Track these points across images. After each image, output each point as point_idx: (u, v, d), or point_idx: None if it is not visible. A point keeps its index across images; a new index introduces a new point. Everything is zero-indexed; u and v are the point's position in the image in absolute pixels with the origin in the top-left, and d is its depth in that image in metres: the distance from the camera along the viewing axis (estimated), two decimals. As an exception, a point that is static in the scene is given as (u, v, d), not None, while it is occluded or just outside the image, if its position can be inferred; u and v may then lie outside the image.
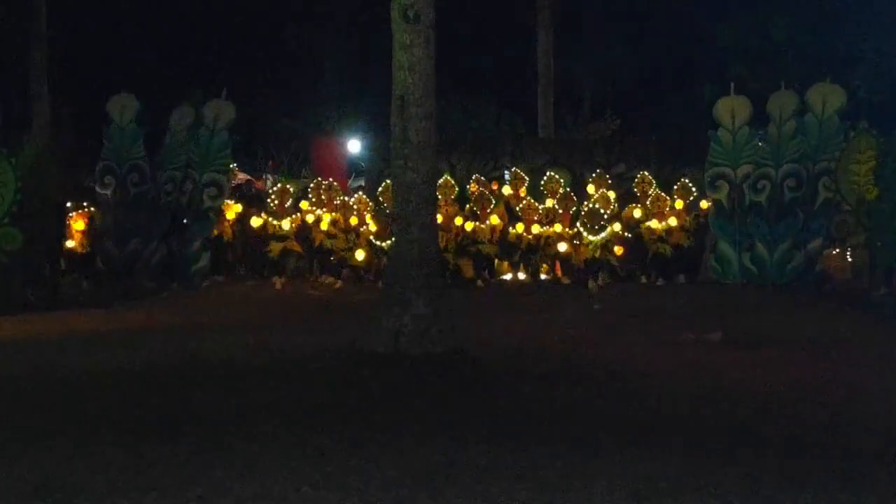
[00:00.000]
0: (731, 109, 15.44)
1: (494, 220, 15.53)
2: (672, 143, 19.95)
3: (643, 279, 15.51)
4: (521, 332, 11.04)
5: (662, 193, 15.91)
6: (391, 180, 10.43)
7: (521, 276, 15.43)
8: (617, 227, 15.16)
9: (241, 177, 17.36)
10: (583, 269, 15.23)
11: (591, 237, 15.12)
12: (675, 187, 15.87)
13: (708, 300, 13.35)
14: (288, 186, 16.42)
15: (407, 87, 9.67)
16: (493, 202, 16.00)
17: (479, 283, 15.10)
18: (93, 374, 8.76)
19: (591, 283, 14.27)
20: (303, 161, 27.15)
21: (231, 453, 6.17)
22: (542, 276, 15.42)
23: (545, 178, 16.50)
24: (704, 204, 15.88)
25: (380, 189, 16.18)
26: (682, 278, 15.38)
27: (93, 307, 13.15)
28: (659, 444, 6.31)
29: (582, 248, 15.22)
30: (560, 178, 16.54)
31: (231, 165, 16.27)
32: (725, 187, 15.38)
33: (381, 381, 8.49)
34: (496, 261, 15.65)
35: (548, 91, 24.35)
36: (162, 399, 7.78)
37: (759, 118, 15.51)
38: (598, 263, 15.19)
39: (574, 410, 7.31)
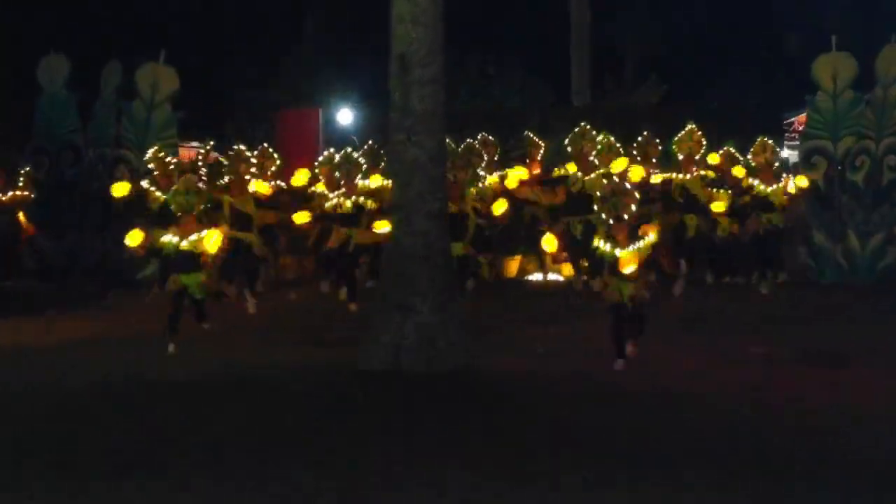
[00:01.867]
0: (833, 69, 14.96)
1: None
2: (739, 113, 19.75)
3: (709, 278, 14.67)
4: (547, 345, 11.00)
5: (766, 139, 14.61)
6: (389, 158, 10.47)
7: (553, 276, 15.27)
8: (652, 236, 10.03)
9: (213, 157, 17.24)
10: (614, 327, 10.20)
11: (616, 250, 9.97)
12: (754, 148, 14.83)
13: (783, 304, 13.21)
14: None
15: (409, 44, 9.71)
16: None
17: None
18: (27, 398, 8.84)
19: (619, 362, 9.89)
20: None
21: (194, 497, 6.24)
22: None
23: (600, 142, 14.49)
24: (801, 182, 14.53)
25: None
26: (769, 275, 14.38)
27: (23, 315, 13.21)
28: (714, 485, 6.30)
29: (609, 284, 10.08)
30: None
31: (172, 145, 15.96)
32: (823, 164, 14.92)
33: (380, 407, 8.54)
34: (520, 258, 15.54)
35: (582, 51, 24.31)
36: (110, 428, 7.84)
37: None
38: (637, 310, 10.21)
39: (612, 441, 7.33)
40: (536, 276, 15.47)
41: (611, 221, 10.08)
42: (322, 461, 6.95)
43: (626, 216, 9.99)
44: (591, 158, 14.26)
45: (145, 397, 9.00)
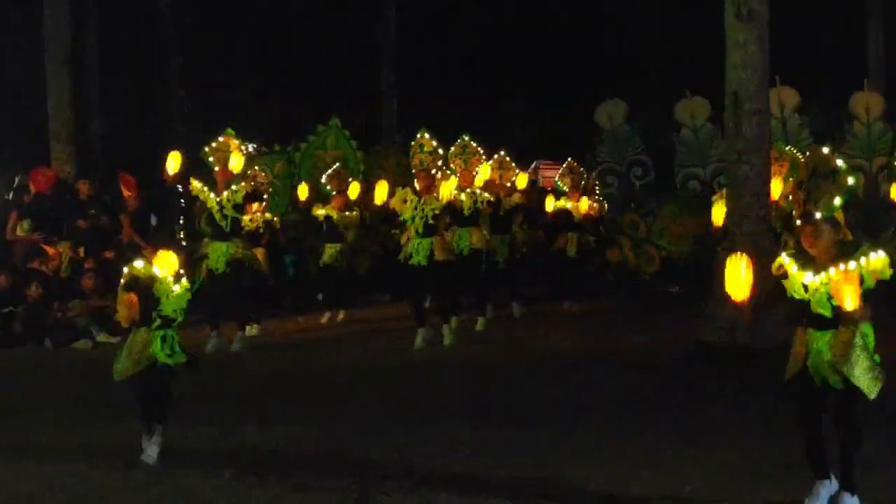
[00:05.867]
0: None
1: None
2: None
3: None
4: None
5: None
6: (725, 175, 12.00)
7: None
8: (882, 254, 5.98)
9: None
10: None
11: (808, 273, 6.05)
12: None
13: None
14: None
15: (741, 84, 11.09)
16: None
17: None
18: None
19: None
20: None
21: (569, 440, 7.71)
22: None
23: None
24: None
25: None
26: None
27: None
28: None
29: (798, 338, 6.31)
30: None
31: None
32: None
33: (716, 375, 9.80)
34: None
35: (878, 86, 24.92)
36: (506, 391, 9.66)
37: None
38: None
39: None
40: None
41: (798, 221, 6.19)
42: (669, 416, 8.30)
43: (818, 214, 5.99)
44: None
45: (529, 367, 10.71)
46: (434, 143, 12.11)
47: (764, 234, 11.23)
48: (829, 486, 6.03)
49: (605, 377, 10.16)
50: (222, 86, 23.61)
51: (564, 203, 15.07)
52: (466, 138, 12.89)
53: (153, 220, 14.95)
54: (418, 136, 12.24)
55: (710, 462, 7.02)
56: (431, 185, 12.02)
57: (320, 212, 14.32)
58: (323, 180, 14.76)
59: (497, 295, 14.16)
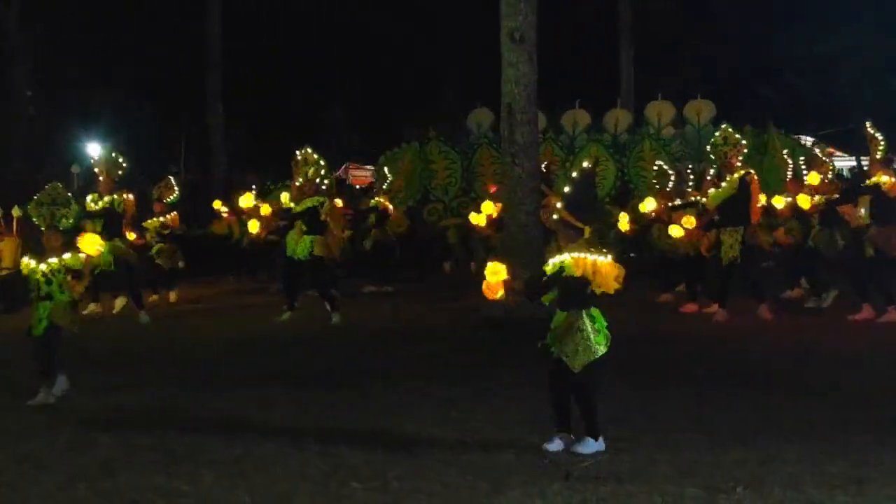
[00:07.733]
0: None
1: None
2: None
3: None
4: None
5: None
6: (502, 175, 12.37)
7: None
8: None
9: None
10: None
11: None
12: None
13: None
14: None
15: (514, 98, 11.42)
16: None
17: None
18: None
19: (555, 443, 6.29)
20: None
21: (376, 401, 7.68)
22: None
23: None
24: None
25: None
26: None
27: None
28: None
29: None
30: None
31: None
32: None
33: (497, 343, 10.08)
34: None
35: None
36: (324, 360, 9.56)
37: None
38: None
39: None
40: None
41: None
42: (459, 377, 8.39)
43: (553, 217, 6.23)
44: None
45: (347, 340, 10.68)
46: (317, 157, 12.04)
47: (533, 224, 11.62)
48: (565, 437, 6.19)
49: (408, 347, 10.20)
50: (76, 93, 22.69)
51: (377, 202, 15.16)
52: (309, 150, 12.41)
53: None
54: (303, 151, 12.06)
55: (492, 415, 7.21)
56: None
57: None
58: (154, 191, 14.54)
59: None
